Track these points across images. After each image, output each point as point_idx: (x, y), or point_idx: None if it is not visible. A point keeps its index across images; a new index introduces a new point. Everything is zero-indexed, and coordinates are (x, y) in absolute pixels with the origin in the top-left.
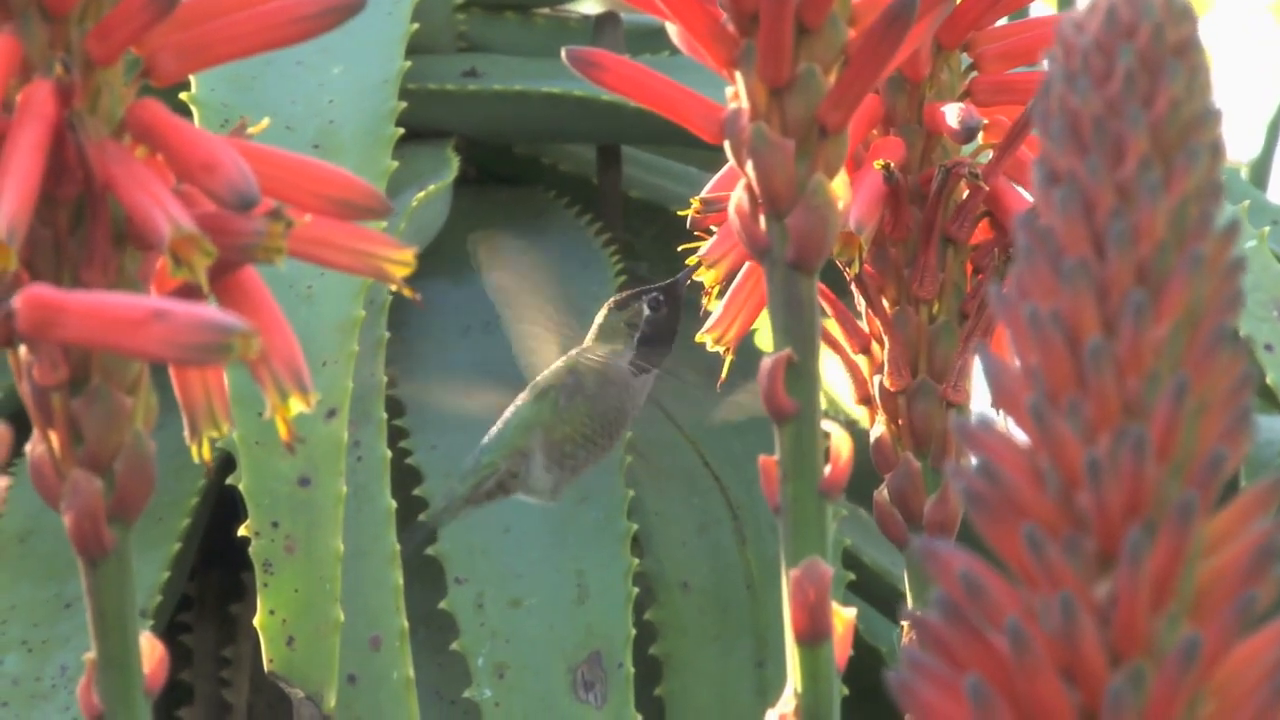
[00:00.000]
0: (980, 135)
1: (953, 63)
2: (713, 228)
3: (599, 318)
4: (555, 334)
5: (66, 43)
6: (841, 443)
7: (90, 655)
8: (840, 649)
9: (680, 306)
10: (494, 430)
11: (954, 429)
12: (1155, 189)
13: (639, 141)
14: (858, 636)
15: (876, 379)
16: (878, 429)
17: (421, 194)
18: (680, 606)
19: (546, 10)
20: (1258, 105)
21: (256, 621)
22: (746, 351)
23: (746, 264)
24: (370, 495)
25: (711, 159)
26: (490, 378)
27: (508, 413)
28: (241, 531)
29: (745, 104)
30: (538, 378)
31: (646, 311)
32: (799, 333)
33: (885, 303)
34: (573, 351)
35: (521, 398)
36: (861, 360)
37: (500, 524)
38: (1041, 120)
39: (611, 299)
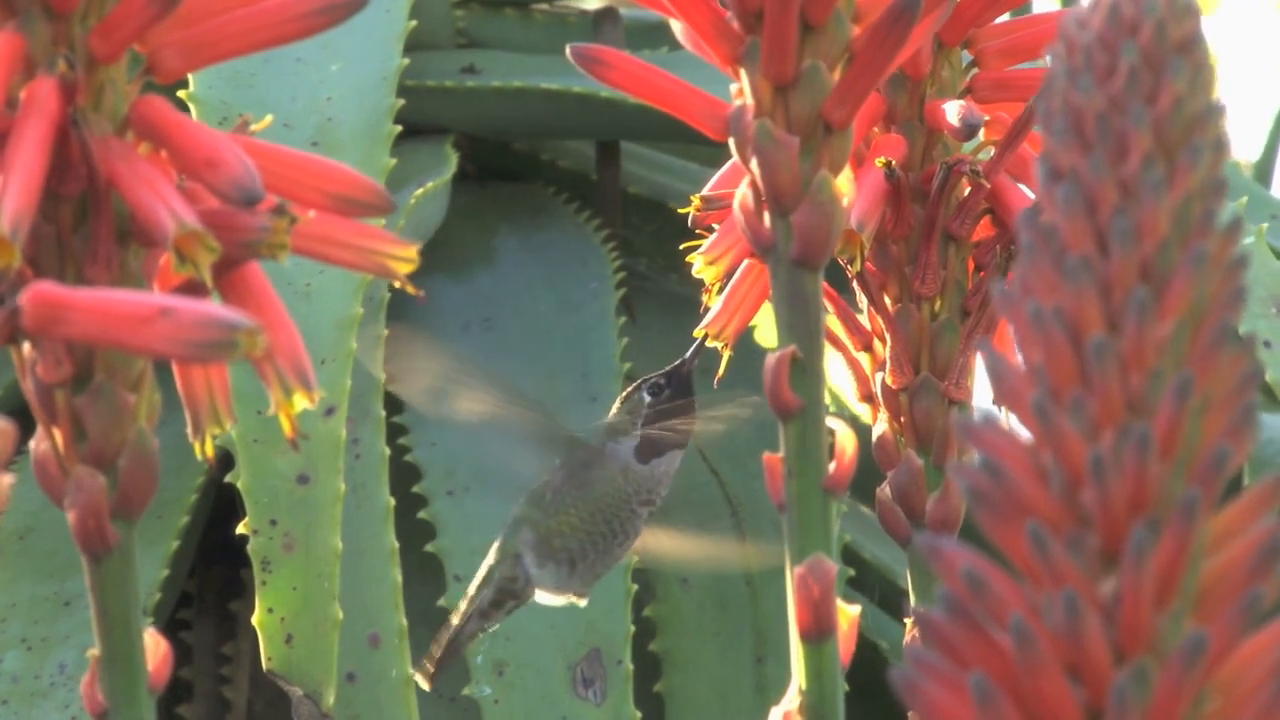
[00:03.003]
0: (981, 132)
1: (954, 60)
2: (713, 225)
3: (611, 413)
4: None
5: (70, 40)
6: (846, 439)
7: (93, 652)
8: (844, 646)
9: (690, 383)
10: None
11: (956, 426)
12: (1158, 186)
13: (638, 138)
14: (858, 633)
15: (878, 376)
16: (880, 426)
17: (420, 191)
18: (679, 603)
19: (545, 6)
20: (1262, 102)
21: (255, 619)
22: (748, 352)
23: (746, 260)
24: (369, 493)
25: (711, 155)
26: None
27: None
28: (240, 529)
29: (750, 101)
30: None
31: (647, 399)
32: (803, 329)
33: (887, 300)
34: (577, 437)
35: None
36: (863, 357)
37: (499, 521)
38: (1044, 117)
39: (620, 395)
